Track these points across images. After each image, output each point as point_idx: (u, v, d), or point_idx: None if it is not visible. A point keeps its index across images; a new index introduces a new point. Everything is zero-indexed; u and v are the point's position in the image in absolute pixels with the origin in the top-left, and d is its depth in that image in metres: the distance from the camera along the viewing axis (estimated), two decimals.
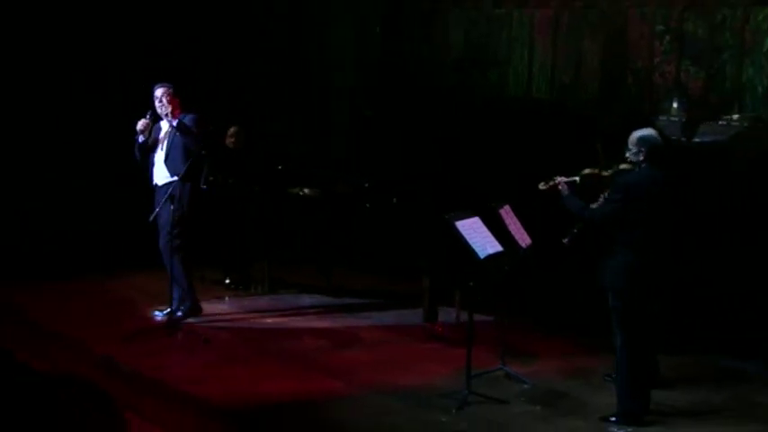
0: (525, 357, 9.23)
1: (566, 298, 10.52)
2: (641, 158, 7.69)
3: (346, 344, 9.87)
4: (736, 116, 10.62)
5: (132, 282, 11.75)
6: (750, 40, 10.50)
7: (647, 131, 7.82)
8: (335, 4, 14.30)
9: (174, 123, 9.87)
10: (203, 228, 10.74)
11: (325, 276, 11.61)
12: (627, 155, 7.83)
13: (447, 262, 9.48)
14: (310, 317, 10.78)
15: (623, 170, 8.02)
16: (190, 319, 10.20)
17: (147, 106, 9.99)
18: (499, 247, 8.27)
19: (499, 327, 8.92)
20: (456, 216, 8.10)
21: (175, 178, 9.91)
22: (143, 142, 10.02)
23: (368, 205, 10.96)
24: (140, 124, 9.89)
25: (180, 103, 10.04)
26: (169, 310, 10.05)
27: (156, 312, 10.22)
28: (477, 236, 8.14)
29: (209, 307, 10.82)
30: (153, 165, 10.13)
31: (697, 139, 10.82)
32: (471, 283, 8.27)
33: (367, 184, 11.28)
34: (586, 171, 8.38)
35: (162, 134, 10.11)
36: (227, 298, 11.38)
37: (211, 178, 11.33)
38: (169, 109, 9.94)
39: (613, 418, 7.70)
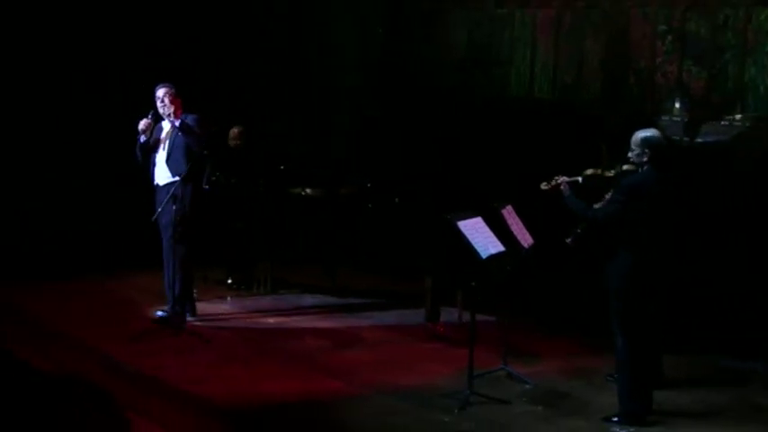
0: (527, 357, 9.23)
1: (568, 298, 10.51)
2: (645, 160, 7.67)
3: (348, 344, 9.87)
4: (738, 116, 10.62)
5: (133, 282, 11.74)
6: (752, 40, 10.49)
7: (651, 132, 7.80)
8: (337, 3, 14.29)
9: (177, 123, 9.87)
10: (206, 228, 10.74)
11: (330, 276, 11.60)
12: (629, 155, 7.80)
13: (449, 262, 9.47)
14: (312, 317, 10.77)
15: (627, 171, 8.00)
16: (189, 318, 10.20)
17: (148, 106, 9.98)
18: (501, 247, 8.26)
19: (501, 327, 8.91)
20: (458, 216, 8.10)
21: (177, 178, 9.90)
22: (144, 142, 10.01)
23: (370, 205, 10.95)
24: (142, 124, 9.88)
25: (182, 103, 10.04)
26: (170, 309, 10.05)
27: (158, 312, 10.19)
28: (480, 236, 8.13)
29: (211, 307, 10.83)
30: (154, 165, 10.12)
31: (699, 140, 10.82)
32: (473, 283, 8.25)
33: (369, 185, 11.28)
34: (589, 171, 8.37)
35: (163, 134, 10.10)
36: (229, 298, 11.38)
37: (214, 178, 11.33)
38: (171, 109, 9.93)
39: (615, 419, 7.69)
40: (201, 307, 10.58)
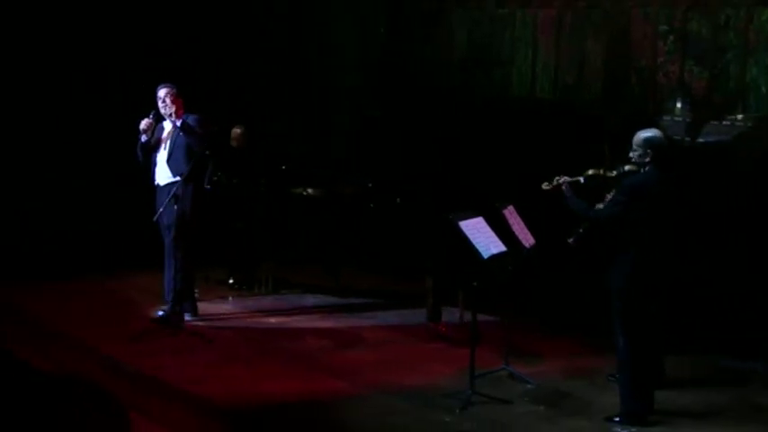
0: (529, 357, 9.23)
1: (570, 298, 10.51)
2: (647, 160, 7.66)
3: (350, 344, 9.87)
4: (739, 116, 10.60)
5: (133, 282, 11.74)
6: (754, 40, 10.48)
7: (653, 132, 7.79)
8: (338, 3, 14.29)
9: (179, 124, 9.87)
10: (207, 228, 10.74)
11: (331, 276, 11.59)
12: (631, 155, 7.80)
13: (450, 262, 9.46)
14: (314, 317, 10.77)
15: (629, 172, 7.98)
16: (188, 318, 10.19)
17: (148, 106, 9.98)
18: (503, 248, 8.27)
19: (503, 327, 8.92)
20: (460, 216, 8.09)
21: (178, 178, 9.90)
22: (146, 142, 10.01)
23: (372, 205, 10.95)
24: (143, 124, 9.88)
25: (183, 103, 10.05)
26: (169, 309, 10.05)
27: (158, 312, 10.19)
28: (481, 236, 8.13)
29: (212, 307, 10.84)
30: (155, 165, 10.12)
31: (701, 140, 10.81)
32: (475, 283, 8.25)
33: (371, 185, 11.28)
34: (591, 172, 8.36)
35: (165, 134, 10.10)
36: (230, 298, 11.38)
37: (215, 178, 11.33)
38: (173, 109, 9.94)
39: (617, 419, 7.70)
40: (203, 307, 10.59)
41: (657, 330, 7.99)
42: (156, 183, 10.13)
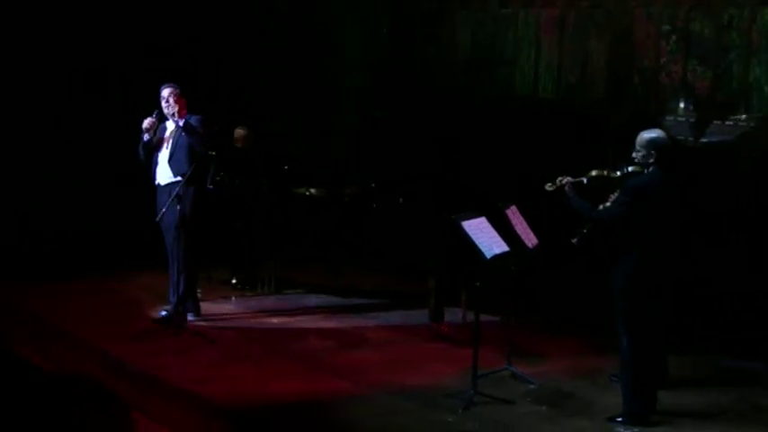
0: (531, 357, 9.22)
1: (573, 298, 10.50)
2: (651, 161, 7.65)
3: (352, 344, 9.87)
4: (742, 116, 10.61)
5: (135, 281, 11.75)
6: (757, 40, 10.49)
7: (656, 133, 7.78)
8: (342, 4, 14.29)
9: (181, 124, 9.88)
10: (210, 228, 10.74)
11: (334, 276, 11.59)
12: (634, 156, 7.78)
13: (453, 262, 9.46)
14: (316, 317, 10.77)
15: (633, 172, 7.96)
16: (191, 318, 10.20)
17: (148, 106, 10.00)
18: (506, 248, 8.26)
19: (505, 327, 8.91)
20: (462, 216, 8.09)
21: (179, 178, 9.91)
22: (148, 141, 10.02)
23: (374, 205, 10.95)
24: (146, 123, 9.89)
25: (186, 103, 10.06)
26: (172, 309, 10.06)
27: (161, 312, 10.19)
28: (484, 236, 8.12)
29: (215, 307, 10.84)
30: (156, 164, 10.12)
31: (704, 140, 10.81)
32: (477, 283, 8.25)
33: (373, 185, 11.28)
34: (594, 173, 8.34)
35: (167, 134, 10.10)
36: (233, 298, 11.38)
37: (218, 178, 11.34)
38: (175, 109, 9.96)
39: (620, 419, 7.69)
40: (206, 307, 10.59)
41: (660, 330, 7.98)
42: (156, 182, 10.13)
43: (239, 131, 11.92)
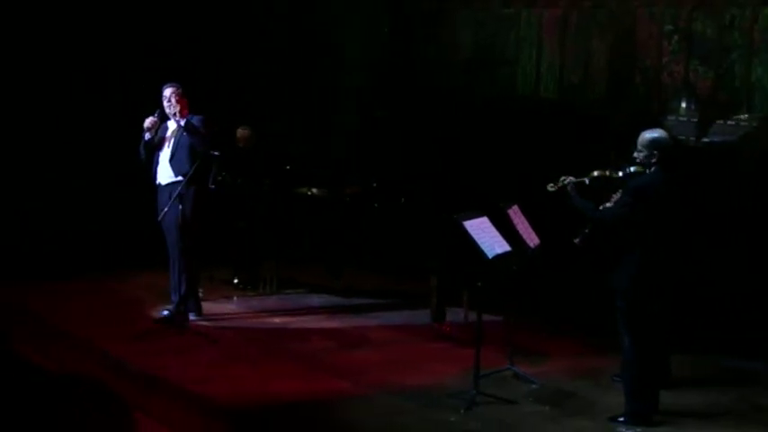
0: (533, 357, 9.22)
1: (574, 298, 10.50)
2: (653, 161, 7.64)
3: (354, 344, 9.86)
4: (744, 116, 10.60)
5: (135, 281, 11.75)
6: (759, 40, 10.48)
7: (658, 133, 7.77)
8: (342, 4, 14.28)
9: (183, 123, 9.88)
10: (212, 227, 10.74)
11: (335, 276, 11.60)
12: (636, 156, 7.77)
13: (455, 262, 9.46)
14: (318, 317, 10.77)
15: (635, 173, 7.94)
16: (192, 318, 10.20)
17: (148, 106, 10.00)
18: (507, 247, 8.26)
19: (507, 327, 8.90)
20: (464, 216, 8.09)
21: (180, 178, 9.91)
22: (149, 140, 10.02)
23: (376, 205, 10.95)
24: (148, 122, 9.90)
25: (188, 103, 10.06)
26: (173, 309, 10.06)
27: (163, 312, 10.19)
28: (486, 235, 8.12)
29: (217, 306, 10.84)
30: (157, 163, 10.12)
31: (706, 139, 10.81)
32: (479, 283, 8.24)
33: (375, 184, 11.28)
34: (596, 173, 8.33)
35: (169, 133, 10.11)
36: (235, 297, 11.38)
37: (220, 178, 11.34)
38: (177, 108, 9.96)
39: (622, 418, 7.69)
40: (207, 306, 10.59)
41: (662, 330, 7.98)
42: (157, 182, 10.13)
43: (242, 131, 11.92)
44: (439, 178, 12.45)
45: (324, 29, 14.33)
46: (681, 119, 11.01)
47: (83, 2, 13.50)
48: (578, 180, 8.21)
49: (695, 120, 10.92)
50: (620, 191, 7.97)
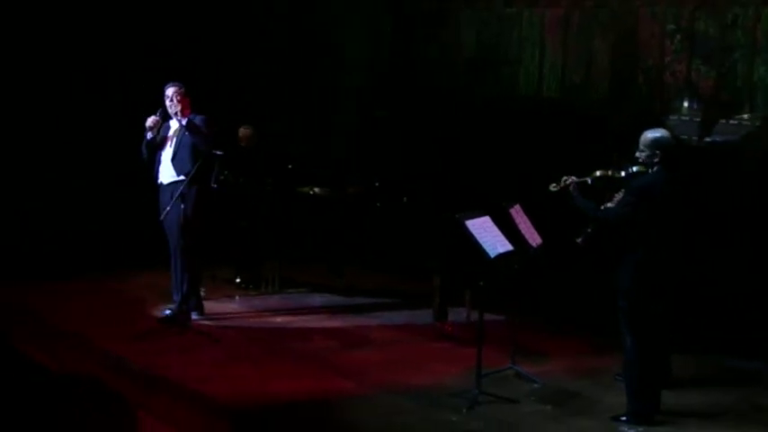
0: (536, 357, 9.21)
1: (577, 298, 10.49)
2: (656, 161, 7.63)
3: (356, 343, 9.86)
4: (747, 115, 10.60)
5: (137, 281, 11.75)
6: (761, 39, 10.48)
7: (660, 132, 7.76)
8: (343, 3, 14.28)
9: (184, 122, 9.88)
10: (214, 227, 10.74)
11: (337, 275, 11.60)
12: (638, 156, 7.76)
13: (457, 261, 9.45)
14: (320, 316, 10.77)
15: (637, 172, 7.93)
16: (195, 317, 10.20)
17: (148, 106, 10.01)
18: (509, 247, 8.25)
19: (509, 326, 8.90)
20: (466, 215, 8.08)
21: (182, 177, 9.91)
22: (151, 139, 10.02)
23: (378, 205, 10.95)
24: (150, 121, 9.90)
25: (190, 102, 10.07)
26: (176, 308, 10.06)
27: (165, 311, 10.19)
28: (488, 235, 8.11)
29: (219, 306, 10.84)
30: (159, 163, 10.13)
31: (708, 139, 10.80)
32: (481, 283, 8.24)
33: (377, 184, 11.28)
34: (598, 173, 8.31)
35: (171, 132, 10.11)
36: (237, 297, 11.38)
37: (222, 177, 11.34)
38: (179, 108, 9.95)
39: (624, 418, 7.68)
40: (210, 306, 10.59)
41: (664, 330, 7.97)
42: (159, 181, 10.13)
43: (244, 131, 11.92)
44: (440, 178, 12.44)
45: (324, 29, 14.33)
46: (683, 118, 11.00)
47: (83, 2, 13.50)
48: (581, 180, 8.20)
49: (697, 119, 10.91)
50: (623, 191, 7.97)
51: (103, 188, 13.26)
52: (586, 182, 8.21)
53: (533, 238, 8.67)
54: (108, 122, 13.19)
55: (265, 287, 11.67)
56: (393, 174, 12.00)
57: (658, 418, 7.70)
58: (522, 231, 8.56)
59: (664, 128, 8.21)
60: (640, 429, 7.59)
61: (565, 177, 8.24)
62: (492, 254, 7.99)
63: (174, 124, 10.09)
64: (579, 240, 8.29)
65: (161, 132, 10.08)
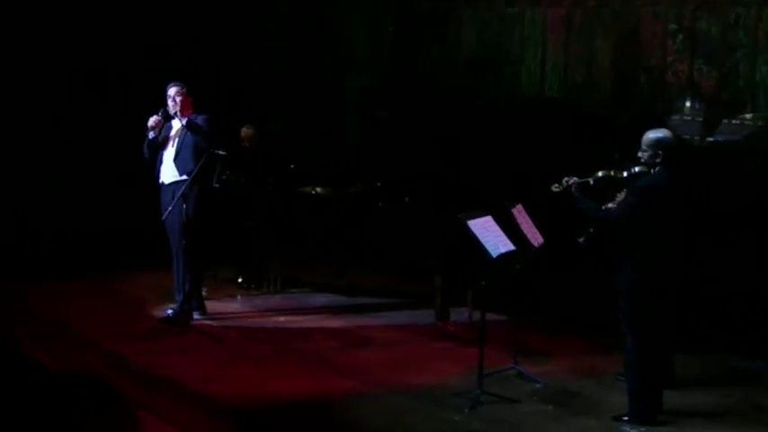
0: (537, 357, 9.21)
1: (578, 298, 10.48)
2: (658, 161, 7.62)
3: (358, 343, 9.86)
4: (749, 115, 10.59)
5: (138, 281, 11.75)
6: (763, 39, 10.46)
7: (662, 132, 7.75)
8: (346, 3, 14.27)
9: (185, 122, 9.88)
10: (216, 226, 10.74)
11: (339, 275, 11.60)
12: (640, 155, 7.75)
13: (459, 261, 9.45)
14: (322, 316, 10.77)
15: (640, 173, 7.92)
16: (197, 317, 10.20)
17: (148, 106, 10.01)
18: (511, 246, 8.25)
19: (511, 326, 8.90)
20: (468, 215, 8.08)
21: (184, 177, 9.91)
22: (153, 139, 10.02)
23: (380, 204, 10.94)
24: (152, 121, 9.90)
25: (192, 102, 10.06)
26: (178, 308, 10.06)
27: (167, 311, 10.19)
28: (490, 235, 8.11)
29: (221, 305, 10.84)
30: (161, 162, 10.12)
31: (710, 139, 10.79)
32: (483, 283, 8.23)
33: (379, 184, 11.28)
34: (600, 173, 8.31)
35: (173, 132, 10.11)
36: (239, 297, 11.38)
37: (224, 177, 11.33)
38: (179, 107, 9.95)
39: (626, 418, 7.68)
40: (212, 306, 10.59)
41: (666, 330, 7.96)
42: (160, 181, 10.13)
43: (246, 130, 11.92)
44: (442, 178, 12.44)
45: (325, 29, 14.32)
46: (685, 118, 10.99)
47: (83, 2, 13.50)
48: (582, 180, 8.20)
49: (700, 119, 10.90)
50: (625, 191, 7.96)
51: (103, 188, 13.26)
52: (588, 182, 8.21)
53: (535, 238, 8.67)
54: (108, 122, 13.20)
55: (267, 287, 11.67)
56: (395, 174, 12.00)
57: (661, 418, 7.70)
58: (524, 231, 8.55)
59: (666, 128, 8.20)
60: (642, 429, 7.58)
61: (566, 178, 8.24)
62: (494, 254, 7.98)
63: (176, 124, 10.09)
64: (581, 240, 8.29)
65: (163, 132, 10.08)
